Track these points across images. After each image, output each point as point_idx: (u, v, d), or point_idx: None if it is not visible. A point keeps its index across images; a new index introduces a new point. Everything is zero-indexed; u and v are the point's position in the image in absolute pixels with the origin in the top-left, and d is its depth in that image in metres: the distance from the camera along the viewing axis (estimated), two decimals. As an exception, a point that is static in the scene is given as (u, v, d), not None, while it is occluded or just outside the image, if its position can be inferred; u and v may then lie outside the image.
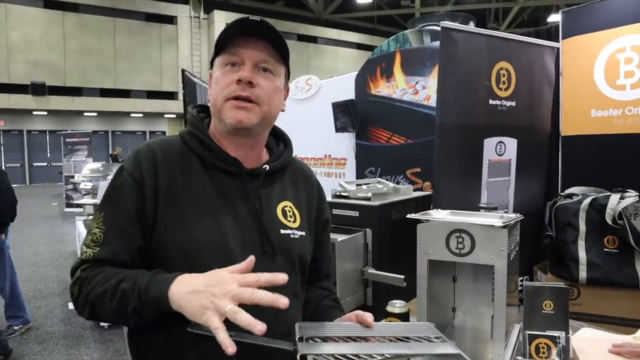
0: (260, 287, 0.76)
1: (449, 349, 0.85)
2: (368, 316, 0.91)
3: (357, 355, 0.80)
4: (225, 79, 0.93)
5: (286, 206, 1.03)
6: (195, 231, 0.90)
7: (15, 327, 3.85)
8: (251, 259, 0.80)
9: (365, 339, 0.87)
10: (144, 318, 0.82)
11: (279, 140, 1.11)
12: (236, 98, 0.91)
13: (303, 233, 1.03)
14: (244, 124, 0.92)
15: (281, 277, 0.78)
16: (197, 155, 0.96)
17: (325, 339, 0.84)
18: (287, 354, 0.79)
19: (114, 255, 0.89)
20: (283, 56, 0.97)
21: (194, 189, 0.93)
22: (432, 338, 0.90)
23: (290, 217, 1.02)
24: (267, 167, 1.00)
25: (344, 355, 0.79)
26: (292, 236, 1.00)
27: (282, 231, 0.99)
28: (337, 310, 1.08)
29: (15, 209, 3.82)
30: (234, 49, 0.93)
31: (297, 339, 0.82)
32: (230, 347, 0.70)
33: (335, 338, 0.85)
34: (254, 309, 0.75)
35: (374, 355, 0.81)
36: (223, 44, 0.94)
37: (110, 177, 1.45)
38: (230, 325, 0.79)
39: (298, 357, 0.75)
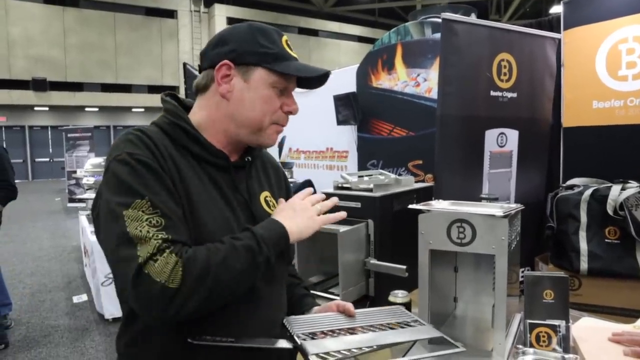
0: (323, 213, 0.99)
1: (432, 332, 0.93)
2: (349, 306, 0.98)
3: (359, 349, 0.83)
4: (275, 103, 0.97)
5: (267, 196, 1.05)
6: (207, 222, 0.88)
7: (9, 317, 3.76)
8: (334, 199, 1.02)
9: (353, 329, 0.91)
10: (271, 264, 0.88)
11: None
12: (280, 124, 1.00)
13: None
14: (274, 144, 1.03)
15: (334, 199, 1.02)
16: (182, 147, 0.92)
17: (316, 334, 0.87)
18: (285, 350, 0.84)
19: (188, 239, 0.83)
20: None
21: (194, 180, 0.90)
22: (411, 322, 0.94)
23: (272, 206, 1.05)
24: (250, 158, 1.02)
25: (348, 350, 0.82)
26: None
27: None
28: (309, 298, 1.15)
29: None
30: (290, 80, 0.96)
31: (294, 336, 0.84)
32: (335, 198, 1.00)
33: (327, 331, 0.88)
34: (250, 304, 0.84)
35: (374, 347, 0.84)
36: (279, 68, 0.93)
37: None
38: (230, 332, 0.85)
39: (310, 358, 0.78)
